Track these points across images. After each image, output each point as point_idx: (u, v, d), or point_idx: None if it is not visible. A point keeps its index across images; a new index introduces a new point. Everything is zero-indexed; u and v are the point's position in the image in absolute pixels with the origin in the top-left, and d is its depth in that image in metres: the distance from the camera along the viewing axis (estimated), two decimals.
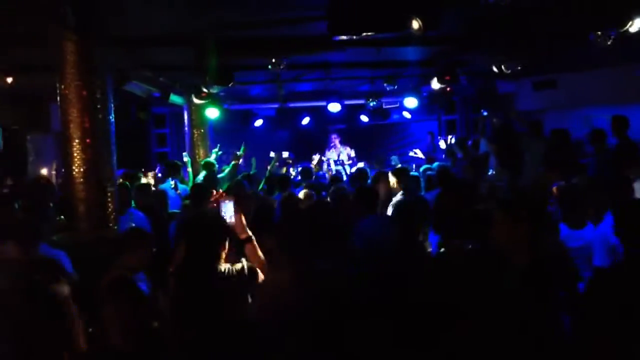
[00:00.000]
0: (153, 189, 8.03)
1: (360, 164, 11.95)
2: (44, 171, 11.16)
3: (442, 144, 11.34)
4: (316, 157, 11.31)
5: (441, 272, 3.61)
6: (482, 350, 2.90)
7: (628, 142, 7.72)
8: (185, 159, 10.00)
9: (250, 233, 3.90)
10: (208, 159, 10.15)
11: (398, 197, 6.46)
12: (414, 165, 11.09)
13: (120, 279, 3.97)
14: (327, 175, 11.28)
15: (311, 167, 9.89)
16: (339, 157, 13.73)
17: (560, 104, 11.04)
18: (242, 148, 10.04)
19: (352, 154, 14.29)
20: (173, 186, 8.14)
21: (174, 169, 9.15)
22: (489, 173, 8.94)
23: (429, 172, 8.26)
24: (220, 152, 10.45)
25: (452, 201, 4.67)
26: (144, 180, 9.41)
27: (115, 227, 5.85)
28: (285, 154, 10.62)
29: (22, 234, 4.52)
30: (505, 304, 3.05)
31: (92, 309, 3.66)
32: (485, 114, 10.55)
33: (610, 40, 6.56)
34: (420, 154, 11.85)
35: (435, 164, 9.30)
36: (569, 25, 7.19)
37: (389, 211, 5.99)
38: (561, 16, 6.79)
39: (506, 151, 8.96)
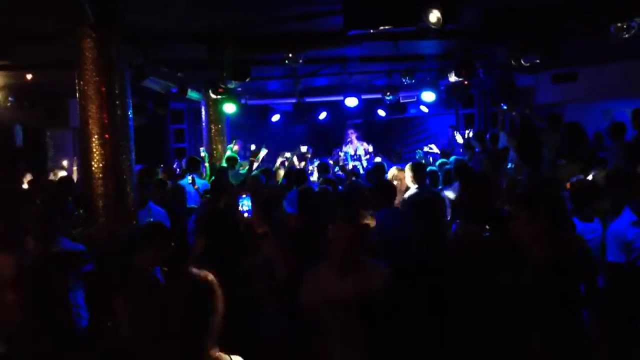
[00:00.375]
0: (170, 183, 8.09)
1: (378, 159, 11.90)
2: (65, 166, 11.28)
3: (459, 138, 11.26)
4: (334, 158, 11.31)
5: (456, 250, 3.66)
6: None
7: None
8: (203, 154, 10.04)
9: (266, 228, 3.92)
10: (231, 154, 10.15)
11: (412, 190, 6.45)
12: (430, 159, 11.04)
13: (138, 272, 3.99)
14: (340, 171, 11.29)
15: (328, 162, 9.90)
16: (355, 152, 13.68)
17: (579, 97, 10.92)
18: (262, 149, 10.02)
19: (370, 148, 14.23)
20: (191, 181, 8.17)
21: (193, 165, 9.20)
22: (508, 167, 8.87)
23: (446, 167, 8.23)
24: (235, 148, 10.47)
25: (474, 195, 4.65)
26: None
27: (135, 222, 5.90)
28: (304, 149, 10.61)
29: (39, 230, 4.58)
30: (515, 297, 3.04)
31: (109, 302, 3.69)
32: (504, 107, 10.44)
33: (632, 32, 6.46)
34: (435, 149, 11.78)
35: (452, 158, 9.26)
36: (589, 17, 7.09)
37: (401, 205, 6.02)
38: (581, 8, 6.70)
39: (526, 146, 8.88)
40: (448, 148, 11.55)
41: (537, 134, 9.02)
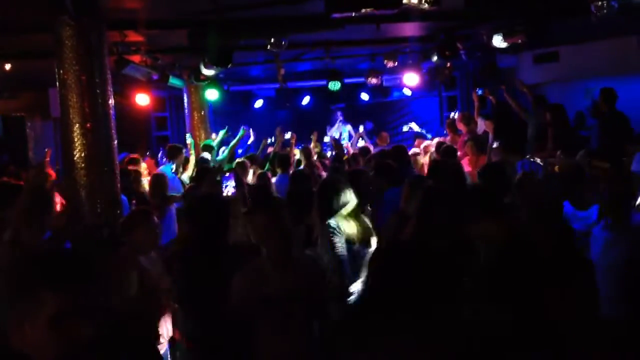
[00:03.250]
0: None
1: (361, 142, 11.91)
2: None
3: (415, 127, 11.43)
4: (314, 135, 11.25)
5: None
6: None
7: (616, 114, 7.72)
8: (189, 140, 10.00)
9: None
10: (208, 141, 10.15)
11: None
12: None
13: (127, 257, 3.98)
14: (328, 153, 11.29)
15: (310, 147, 9.87)
16: (340, 136, 13.67)
17: (561, 77, 10.97)
18: (241, 131, 10.06)
19: (354, 132, 14.20)
20: (173, 169, 8.11)
21: (173, 153, 9.11)
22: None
23: None
24: (228, 135, 10.44)
25: None
26: (143, 165, 9.43)
27: (119, 212, 5.86)
28: (288, 135, 10.59)
29: (33, 221, 4.54)
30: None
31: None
32: (480, 92, 10.45)
33: (612, 11, 6.48)
34: (416, 128, 11.80)
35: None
36: None
37: None
38: None
39: (504, 128, 8.92)
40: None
41: (516, 116, 9.08)
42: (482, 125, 9.77)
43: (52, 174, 8.01)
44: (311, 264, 3.54)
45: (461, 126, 9.71)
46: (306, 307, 3.23)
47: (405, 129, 12.24)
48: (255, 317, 3.21)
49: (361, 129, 12.01)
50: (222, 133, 10.30)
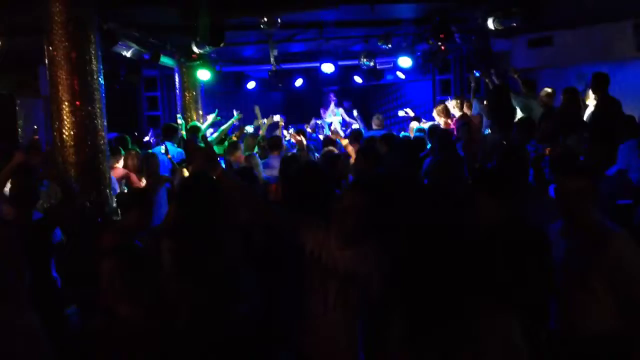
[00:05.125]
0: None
1: (355, 125, 11.86)
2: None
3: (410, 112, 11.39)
4: (312, 122, 11.20)
5: None
6: None
7: (608, 99, 7.71)
8: (180, 121, 9.91)
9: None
10: (194, 123, 10.09)
11: None
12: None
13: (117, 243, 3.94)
14: (320, 137, 11.22)
15: (305, 129, 9.83)
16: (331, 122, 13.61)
17: (555, 62, 10.94)
18: (236, 115, 10.00)
19: (347, 117, 14.14)
20: (164, 150, 8.05)
21: (169, 132, 9.05)
22: (485, 133, 8.91)
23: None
24: (219, 118, 10.37)
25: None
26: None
27: (108, 191, 5.81)
28: (277, 117, 10.53)
29: (23, 200, 4.51)
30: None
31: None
32: (477, 74, 10.42)
33: None
34: (411, 113, 11.76)
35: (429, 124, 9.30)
36: None
37: None
38: None
39: (501, 111, 8.89)
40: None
41: (511, 98, 9.05)
42: (476, 107, 9.75)
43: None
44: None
45: (455, 111, 9.69)
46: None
47: (401, 113, 12.18)
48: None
49: (355, 112, 11.91)
50: (212, 117, 10.23)
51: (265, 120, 10.14)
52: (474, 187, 3.53)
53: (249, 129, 10.50)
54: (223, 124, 10.08)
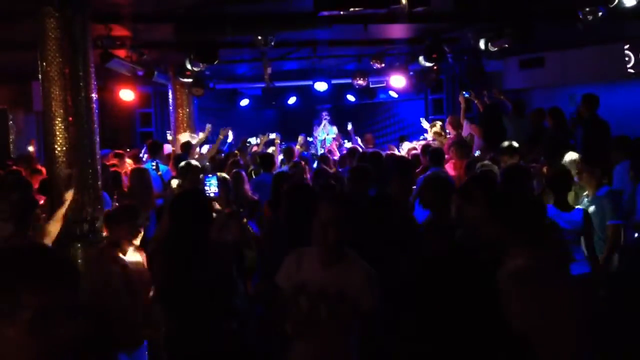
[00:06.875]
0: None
1: (348, 144, 11.88)
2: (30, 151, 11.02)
3: (425, 124, 11.31)
4: (301, 138, 11.18)
5: None
6: None
7: (597, 120, 7.76)
8: (169, 137, 9.90)
9: (234, 208, 3.86)
10: (186, 139, 10.06)
11: None
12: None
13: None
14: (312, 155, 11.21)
15: (294, 147, 9.82)
16: (328, 136, 13.63)
17: (546, 82, 11.04)
18: (220, 134, 9.92)
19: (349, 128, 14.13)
20: (154, 167, 8.02)
21: (154, 149, 9.01)
22: (476, 154, 8.92)
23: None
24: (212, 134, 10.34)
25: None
26: (128, 160, 9.34)
27: (100, 207, 5.77)
28: (273, 135, 10.55)
29: (23, 217, 4.47)
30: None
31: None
32: (467, 95, 10.45)
33: (599, 17, 6.54)
34: (425, 125, 11.58)
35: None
36: (558, 1, 7.15)
37: None
38: None
39: (491, 132, 8.94)
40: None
41: (501, 119, 9.10)
42: (467, 128, 9.79)
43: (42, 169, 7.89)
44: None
45: (450, 129, 9.71)
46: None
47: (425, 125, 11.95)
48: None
49: (350, 126, 11.85)
50: (203, 134, 10.19)
51: (259, 137, 10.13)
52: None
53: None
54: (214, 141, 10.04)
